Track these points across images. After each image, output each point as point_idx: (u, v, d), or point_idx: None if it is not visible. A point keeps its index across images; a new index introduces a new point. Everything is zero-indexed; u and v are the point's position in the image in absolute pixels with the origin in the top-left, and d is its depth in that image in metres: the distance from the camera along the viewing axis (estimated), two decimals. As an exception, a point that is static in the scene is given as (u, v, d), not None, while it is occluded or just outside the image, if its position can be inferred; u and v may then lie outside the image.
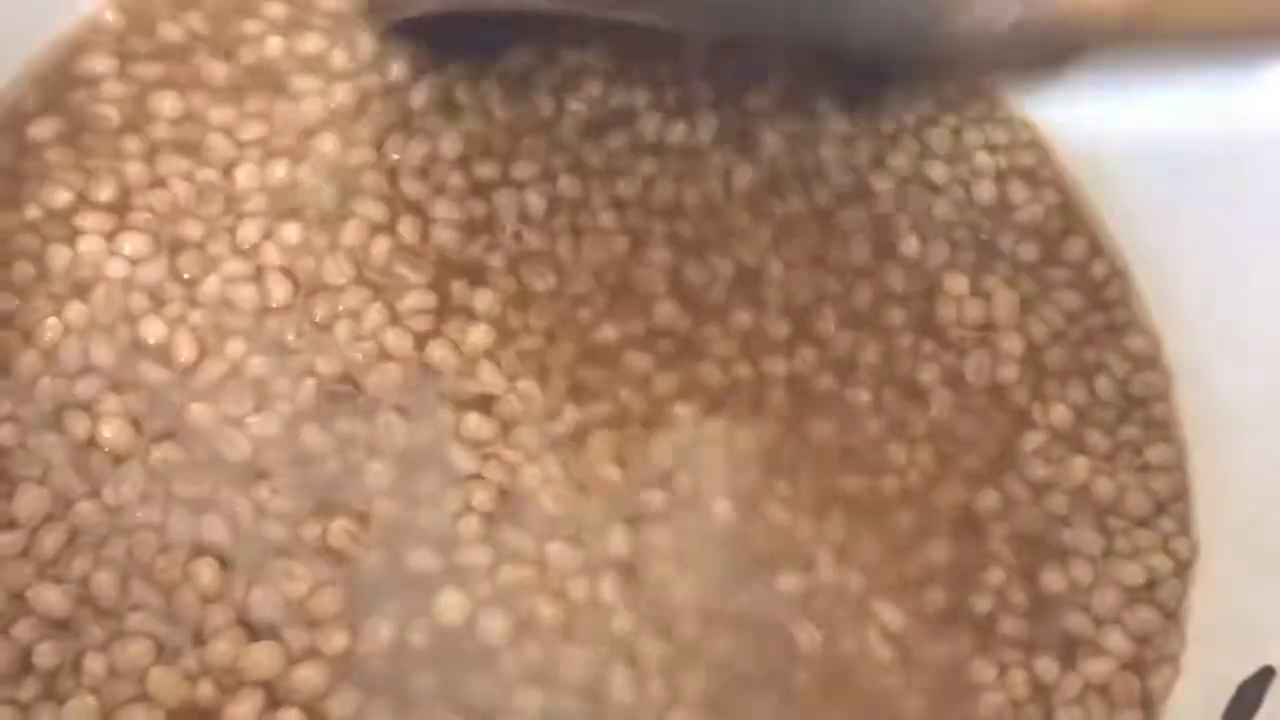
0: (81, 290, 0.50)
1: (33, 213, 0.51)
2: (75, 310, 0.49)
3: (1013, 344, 0.54)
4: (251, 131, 0.53)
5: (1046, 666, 0.49)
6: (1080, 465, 0.52)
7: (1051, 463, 0.52)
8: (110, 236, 0.51)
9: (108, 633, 0.45)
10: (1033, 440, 0.53)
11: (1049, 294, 0.56)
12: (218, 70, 0.55)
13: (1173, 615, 0.51)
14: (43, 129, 0.53)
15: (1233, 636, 0.49)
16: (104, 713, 0.44)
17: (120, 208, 0.51)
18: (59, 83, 0.54)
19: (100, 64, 0.54)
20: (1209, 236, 0.53)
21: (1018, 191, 0.58)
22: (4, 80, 0.54)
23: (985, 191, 0.57)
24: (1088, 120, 0.56)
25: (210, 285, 0.50)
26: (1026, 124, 0.59)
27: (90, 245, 0.50)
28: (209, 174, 0.52)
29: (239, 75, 0.55)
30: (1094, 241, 0.57)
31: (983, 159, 0.58)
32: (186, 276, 0.50)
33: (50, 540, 0.46)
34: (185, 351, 0.49)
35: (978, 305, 0.55)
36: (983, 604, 0.50)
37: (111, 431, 0.47)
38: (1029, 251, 0.56)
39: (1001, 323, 0.55)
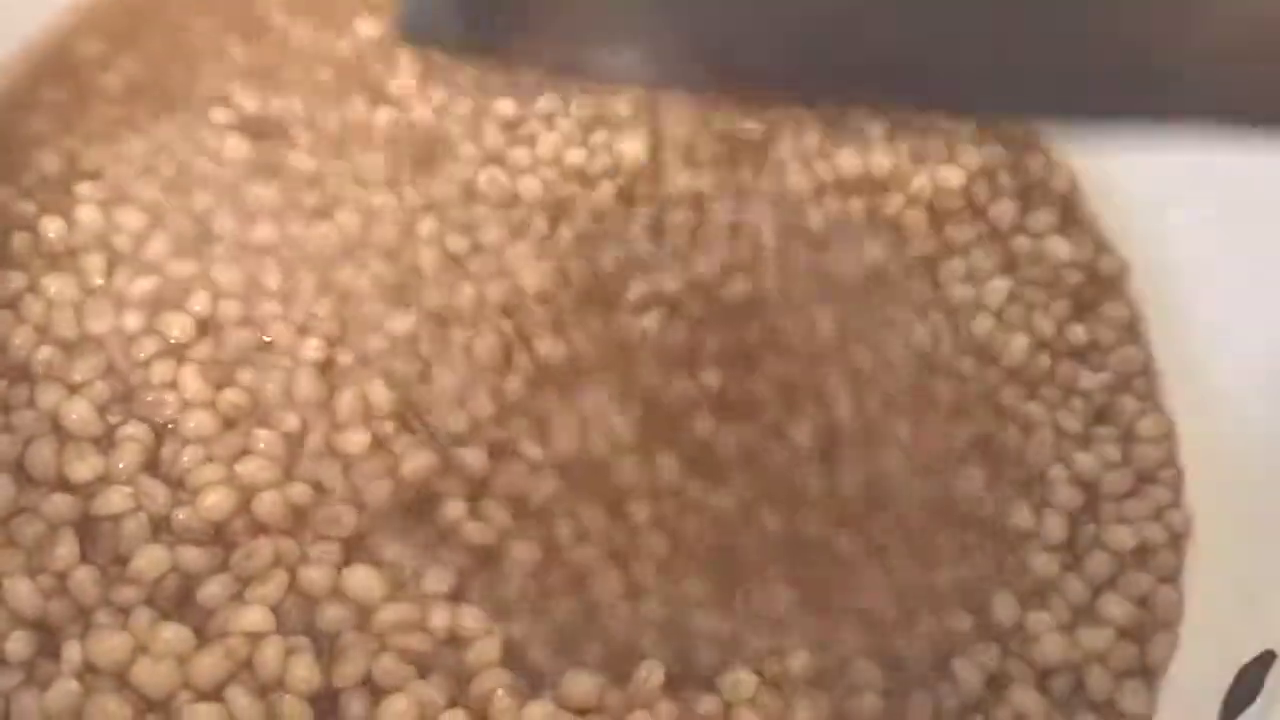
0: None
1: (29, 181, 0.52)
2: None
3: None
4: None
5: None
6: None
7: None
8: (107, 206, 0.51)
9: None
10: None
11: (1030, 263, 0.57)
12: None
13: (1169, 582, 0.50)
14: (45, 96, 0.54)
15: (1234, 614, 0.48)
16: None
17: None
18: (62, 53, 0.56)
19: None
20: (1200, 215, 0.54)
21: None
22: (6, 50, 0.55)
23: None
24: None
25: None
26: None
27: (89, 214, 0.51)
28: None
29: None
30: (1068, 212, 0.58)
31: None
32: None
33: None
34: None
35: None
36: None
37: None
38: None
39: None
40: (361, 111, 0.55)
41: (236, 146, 0.54)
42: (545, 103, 0.56)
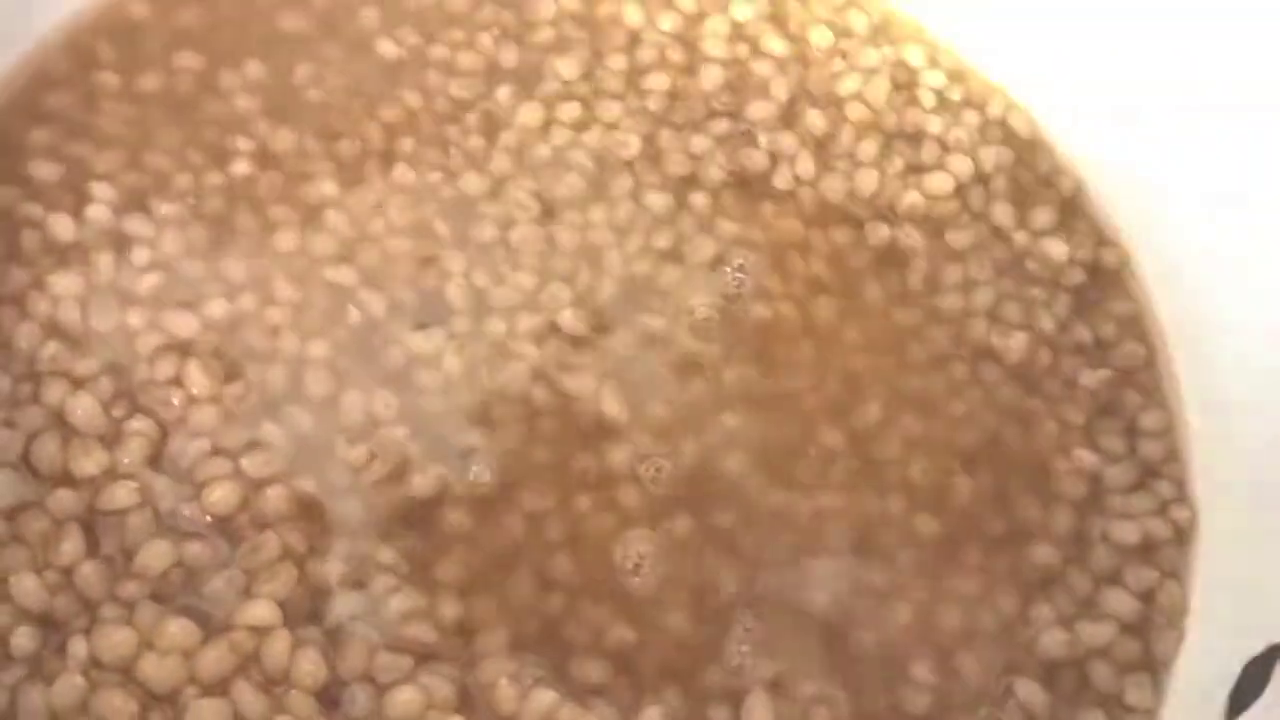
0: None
1: (38, 182, 0.52)
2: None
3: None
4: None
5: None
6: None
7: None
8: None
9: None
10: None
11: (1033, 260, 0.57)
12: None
13: (1173, 577, 0.50)
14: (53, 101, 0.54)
15: (1240, 608, 0.48)
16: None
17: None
18: (69, 59, 0.55)
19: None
20: (1209, 215, 0.54)
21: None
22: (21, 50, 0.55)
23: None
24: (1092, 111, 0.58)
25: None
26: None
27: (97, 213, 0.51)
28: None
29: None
30: (1069, 205, 0.58)
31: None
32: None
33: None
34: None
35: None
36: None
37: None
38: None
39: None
40: (381, 141, 0.55)
41: (247, 164, 0.54)
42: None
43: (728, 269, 0.54)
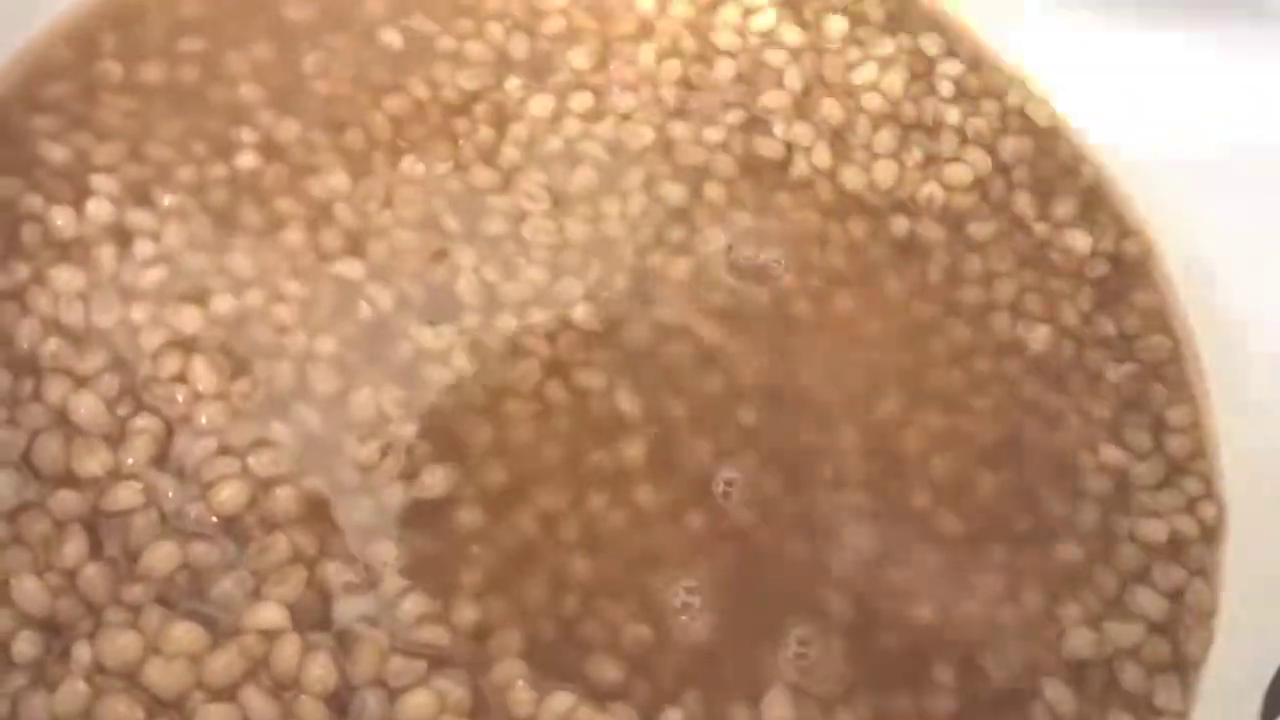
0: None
1: (39, 174, 0.50)
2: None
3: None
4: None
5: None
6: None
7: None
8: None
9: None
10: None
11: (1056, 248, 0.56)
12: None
13: (1202, 576, 0.50)
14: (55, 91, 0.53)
15: (1272, 608, 0.48)
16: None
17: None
18: (72, 49, 0.55)
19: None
20: (1233, 205, 0.53)
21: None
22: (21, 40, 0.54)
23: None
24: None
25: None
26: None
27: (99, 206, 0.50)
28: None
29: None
30: (1090, 195, 0.58)
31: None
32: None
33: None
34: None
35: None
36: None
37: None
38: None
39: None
40: (389, 133, 0.54)
41: (252, 156, 0.53)
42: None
43: (744, 261, 0.53)
